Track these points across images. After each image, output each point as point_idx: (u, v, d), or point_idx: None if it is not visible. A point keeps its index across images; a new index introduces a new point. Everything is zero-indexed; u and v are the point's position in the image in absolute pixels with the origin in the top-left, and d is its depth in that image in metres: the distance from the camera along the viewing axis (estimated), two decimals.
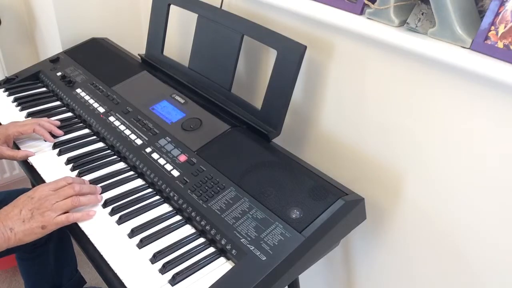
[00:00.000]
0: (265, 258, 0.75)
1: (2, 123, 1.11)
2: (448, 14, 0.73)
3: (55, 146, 1.02)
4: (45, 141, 1.03)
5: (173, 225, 0.84)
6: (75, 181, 0.87)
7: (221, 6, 1.14)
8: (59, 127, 1.06)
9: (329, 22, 0.90)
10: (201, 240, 0.82)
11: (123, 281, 0.74)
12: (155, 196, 0.91)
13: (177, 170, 0.92)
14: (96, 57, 1.31)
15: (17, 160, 0.99)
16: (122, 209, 0.87)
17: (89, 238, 0.81)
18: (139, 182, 0.95)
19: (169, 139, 1.00)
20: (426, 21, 0.80)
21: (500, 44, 0.70)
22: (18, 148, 1.02)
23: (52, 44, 1.45)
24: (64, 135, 1.05)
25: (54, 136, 1.04)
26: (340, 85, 0.98)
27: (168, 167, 0.93)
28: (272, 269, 0.74)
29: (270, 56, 1.12)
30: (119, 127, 1.06)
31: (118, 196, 0.89)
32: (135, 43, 1.53)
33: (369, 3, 0.83)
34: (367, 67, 0.91)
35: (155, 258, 0.77)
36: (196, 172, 0.91)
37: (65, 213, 0.83)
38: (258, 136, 0.99)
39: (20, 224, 0.79)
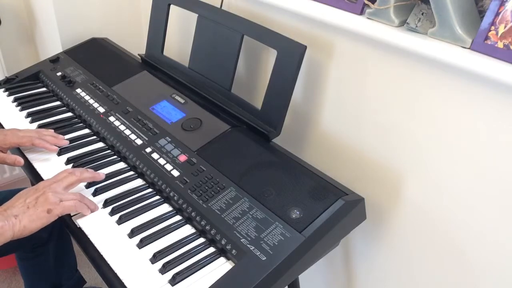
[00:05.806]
0: (265, 258, 0.75)
1: (1, 124, 1.11)
2: (448, 14, 0.73)
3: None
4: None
5: (173, 225, 0.84)
6: (76, 170, 0.88)
7: (221, 6, 1.14)
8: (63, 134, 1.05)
9: (329, 22, 0.90)
10: (201, 240, 0.82)
11: (123, 281, 0.74)
12: (155, 196, 0.91)
13: (177, 170, 0.92)
14: (96, 57, 1.31)
15: (7, 164, 0.98)
16: (122, 209, 0.87)
17: (89, 238, 0.81)
18: (139, 182, 0.95)
19: (169, 139, 1.00)
20: (426, 21, 0.80)
21: (500, 44, 0.70)
22: (21, 152, 1.01)
23: (52, 44, 1.45)
24: (68, 143, 1.03)
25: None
26: (340, 85, 0.98)
27: (168, 167, 0.93)
28: (272, 269, 0.74)
29: (270, 56, 1.12)
30: (119, 127, 1.06)
31: (118, 196, 0.89)
32: (135, 43, 1.53)
33: (369, 3, 0.83)
34: (367, 67, 0.91)
35: (155, 258, 0.77)
36: (196, 172, 0.91)
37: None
38: (258, 136, 0.99)
39: (25, 210, 0.79)
